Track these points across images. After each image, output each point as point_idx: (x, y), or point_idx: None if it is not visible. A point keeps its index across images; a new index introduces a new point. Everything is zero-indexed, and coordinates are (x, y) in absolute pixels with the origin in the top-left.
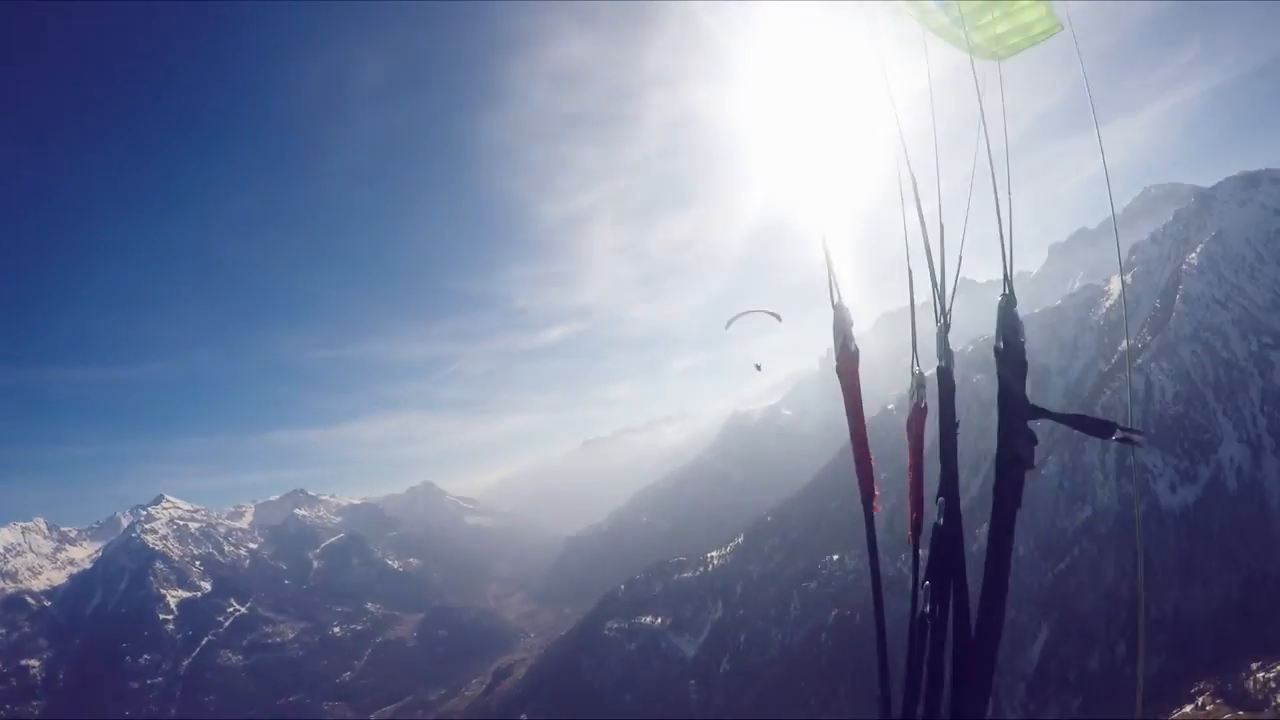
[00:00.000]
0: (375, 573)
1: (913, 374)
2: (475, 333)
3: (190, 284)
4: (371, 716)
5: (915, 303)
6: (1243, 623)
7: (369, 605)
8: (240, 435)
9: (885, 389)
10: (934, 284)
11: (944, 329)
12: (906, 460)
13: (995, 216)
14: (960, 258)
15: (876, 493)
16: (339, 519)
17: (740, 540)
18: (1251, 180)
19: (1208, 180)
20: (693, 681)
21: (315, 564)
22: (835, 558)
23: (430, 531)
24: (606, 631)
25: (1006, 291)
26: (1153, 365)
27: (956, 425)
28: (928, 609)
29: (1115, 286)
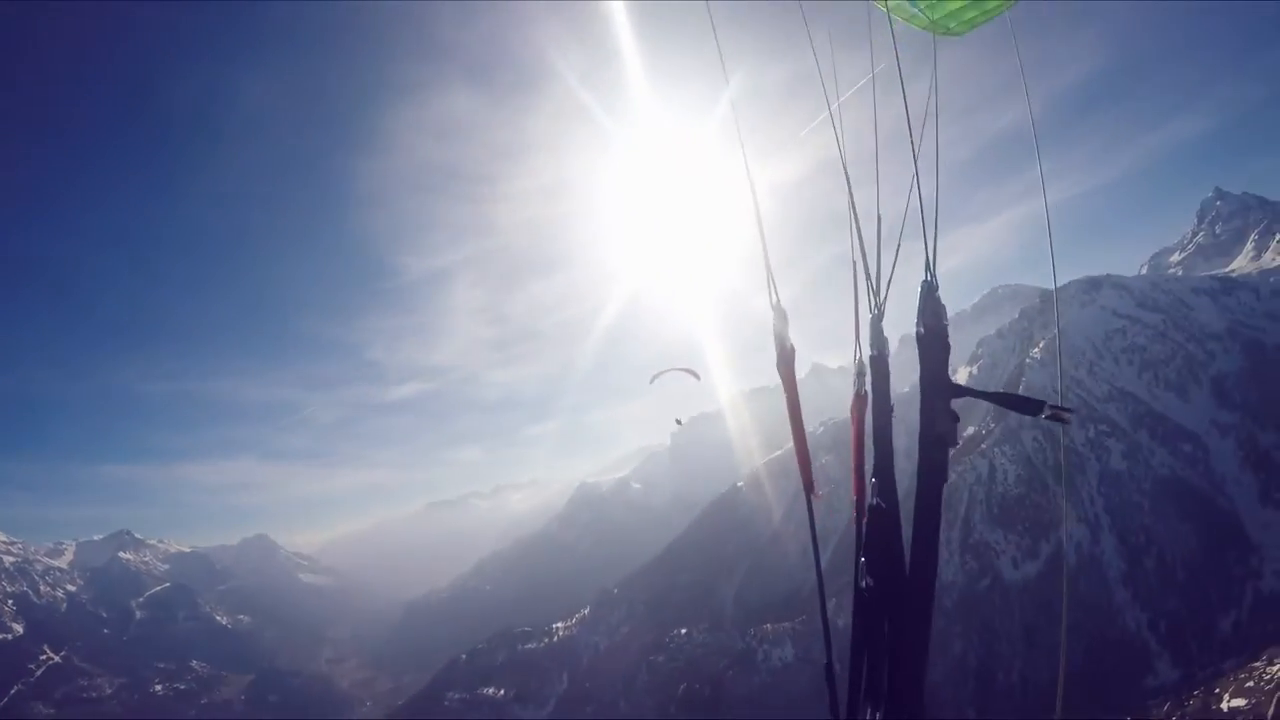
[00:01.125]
0: (202, 628)
1: (855, 362)
2: (325, 381)
3: (23, 292)
4: None
5: (857, 293)
6: (1085, 687)
7: (194, 663)
8: (67, 464)
9: (740, 463)
10: (866, 274)
11: (877, 318)
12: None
13: (919, 202)
14: (898, 246)
15: (815, 482)
16: (166, 566)
17: (586, 612)
18: (1093, 284)
19: (1051, 283)
20: None
21: (138, 614)
22: (683, 631)
23: (263, 587)
24: (447, 702)
25: (928, 278)
26: (996, 450)
27: (891, 410)
28: (865, 583)
29: (962, 376)
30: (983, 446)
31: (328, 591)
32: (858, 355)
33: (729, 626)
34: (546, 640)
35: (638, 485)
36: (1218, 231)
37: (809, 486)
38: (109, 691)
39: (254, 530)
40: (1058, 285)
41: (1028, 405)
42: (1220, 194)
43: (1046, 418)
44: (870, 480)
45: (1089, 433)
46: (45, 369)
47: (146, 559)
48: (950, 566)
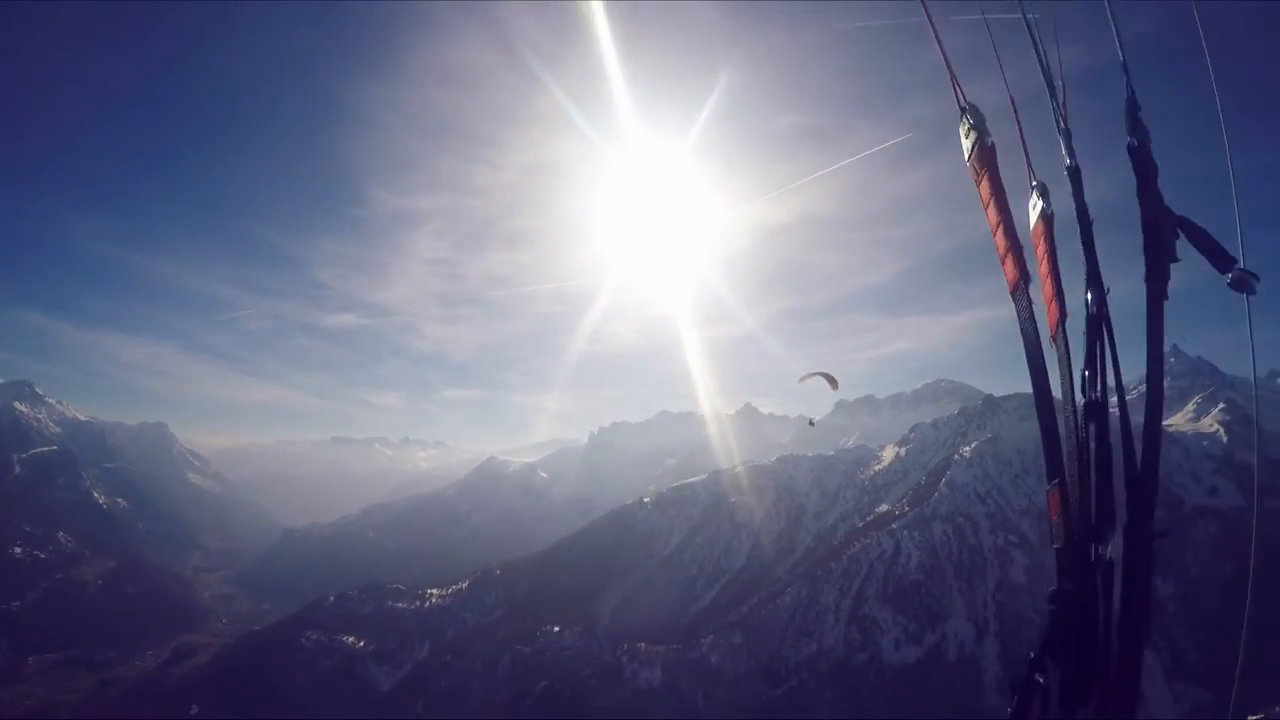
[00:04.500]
0: (78, 501)
1: (1033, 185)
2: (266, 289)
3: None
4: (30, 659)
5: (1019, 118)
6: None
7: (60, 534)
8: None
9: (649, 481)
10: (1050, 88)
11: (1067, 134)
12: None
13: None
14: (1060, 61)
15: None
16: (58, 430)
17: (464, 585)
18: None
19: (993, 390)
20: (383, 715)
21: (17, 469)
22: (556, 629)
23: (148, 476)
24: (304, 640)
25: (1130, 94)
26: (904, 533)
27: (1091, 222)
28: (1096, 395)
29: (889, 455)
30: (893, 526)
31: (211, 497)
32: (1032, 180)
33: (602, 637)
34: (418, 603)
35: (544, 474)
36: (1165, 387)
37: (1024, 281)
38: None
39: (155, 416)
40: (1001, 395)
41: (1221, 257)
42: (1176, 352)
43: (1231, 279)
44: (1086, 292)
45: (998, 540)
46: None
47: (41, 416)
48: (834, 633)
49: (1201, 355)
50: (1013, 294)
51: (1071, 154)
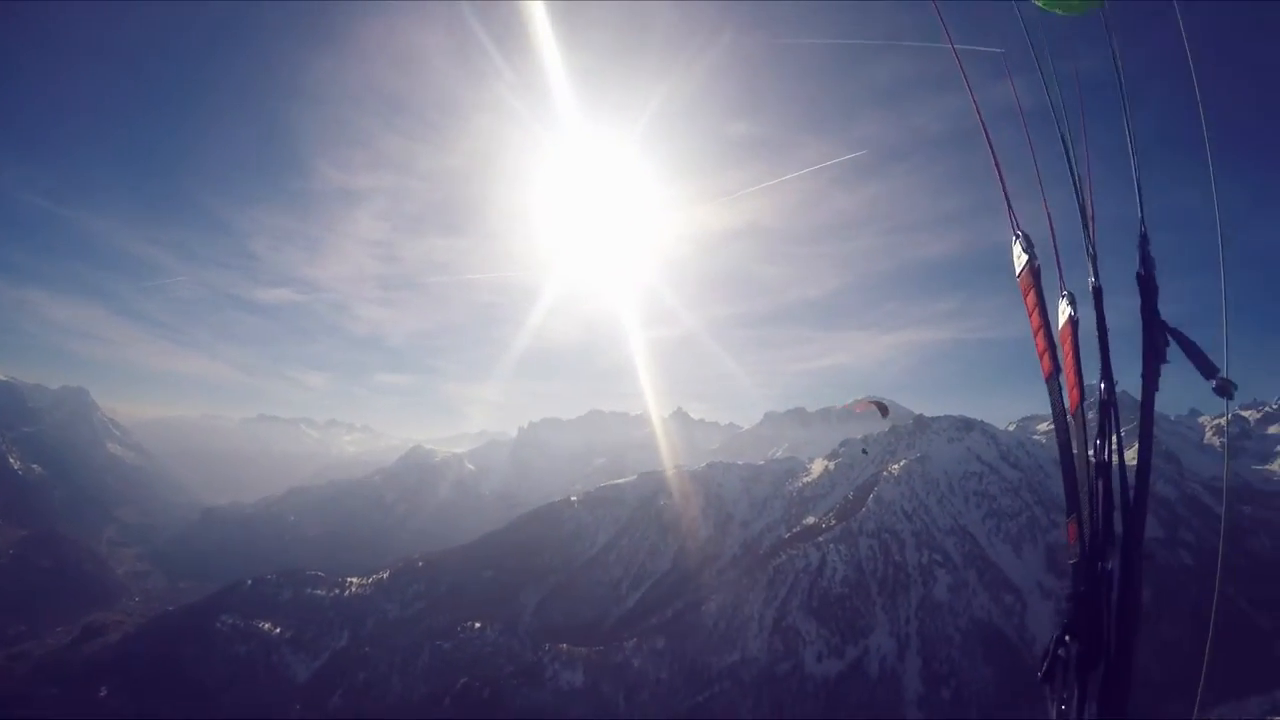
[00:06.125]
0: None
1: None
2: (200, 256)
3: None
4: None
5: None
6: None
7: None
8: None
9: (577, 479)
10: (1079, 199)
11: (1094, 258)
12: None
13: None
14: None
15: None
16: None
17: (385, 575)
18: (966, 424)
19: (924, 410)
20: (298, 706)
21: None
22: (477, 625)
23: (67, 443)
24: (219, 624)
25: (1144, 231)
26: (831, 546)
27: (1107, 331)
28: (1104, 457)
29: (818, 468)
30: (819, 539)
31: (131, 469)
32: (1063, 289)
33: (523, 635)
34: (337, 592)
35: (472, 467)
36: (1090, 417)
37: (1055, 372)
38: None
39: (77, 381)
40: (931, 415)
41: (1206, 365)
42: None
43: (1214, 389)
44: (1100, 385)
45: (922, 558)
46: None
47: None
48: (758, 642)
49: (1126, 390)
50: (1046, 381)
51: (1096, 275)
